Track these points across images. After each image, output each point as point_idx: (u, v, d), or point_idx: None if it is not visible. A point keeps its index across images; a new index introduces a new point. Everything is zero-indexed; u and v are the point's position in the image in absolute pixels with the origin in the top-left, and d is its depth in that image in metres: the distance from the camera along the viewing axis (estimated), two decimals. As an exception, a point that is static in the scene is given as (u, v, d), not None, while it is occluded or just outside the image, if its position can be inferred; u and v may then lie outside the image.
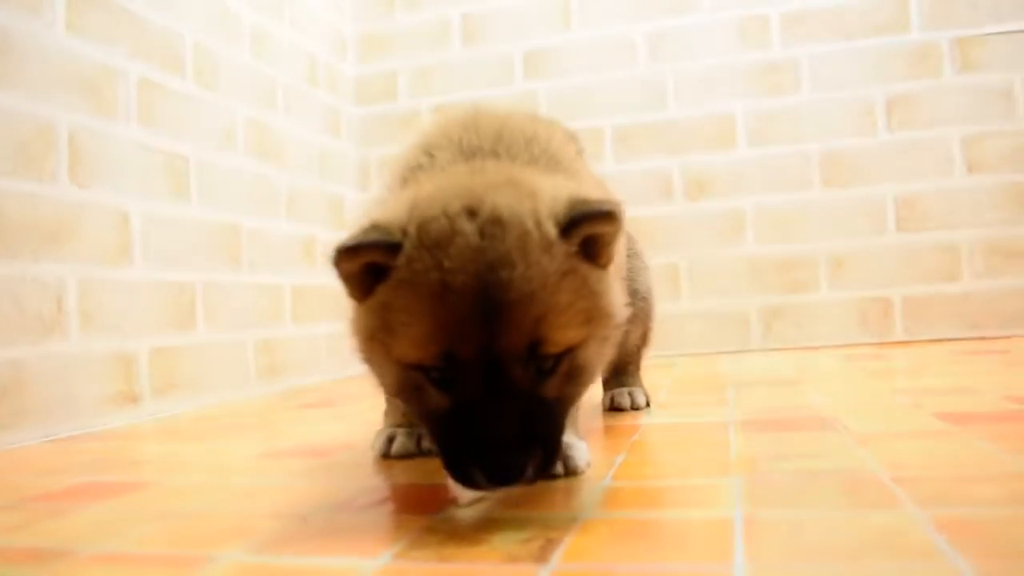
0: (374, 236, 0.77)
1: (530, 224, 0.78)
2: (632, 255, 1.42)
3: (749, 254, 2.69)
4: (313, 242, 2.65)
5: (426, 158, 0.93)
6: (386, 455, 1.13)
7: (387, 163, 0.90)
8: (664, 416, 1.35)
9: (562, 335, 0.78)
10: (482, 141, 0.92)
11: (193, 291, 2.02)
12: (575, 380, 0.82)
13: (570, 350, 0.80)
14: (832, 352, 2.42)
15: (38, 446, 1.45)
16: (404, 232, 0.78)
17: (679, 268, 2.72)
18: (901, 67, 2.63)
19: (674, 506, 0.76)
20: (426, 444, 1.13)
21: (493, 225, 0.77)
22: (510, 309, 0.75)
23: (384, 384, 0.86)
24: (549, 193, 0.81)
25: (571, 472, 1.02)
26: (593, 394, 1.51)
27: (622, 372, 1.50)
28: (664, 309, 2.72)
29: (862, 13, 2.66)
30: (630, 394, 1.46)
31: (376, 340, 0.81)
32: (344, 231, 2.81)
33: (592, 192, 0.85)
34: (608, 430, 1.18)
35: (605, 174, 2.79)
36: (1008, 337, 2.49)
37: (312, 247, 2.64)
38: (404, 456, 1.12)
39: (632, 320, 1.33)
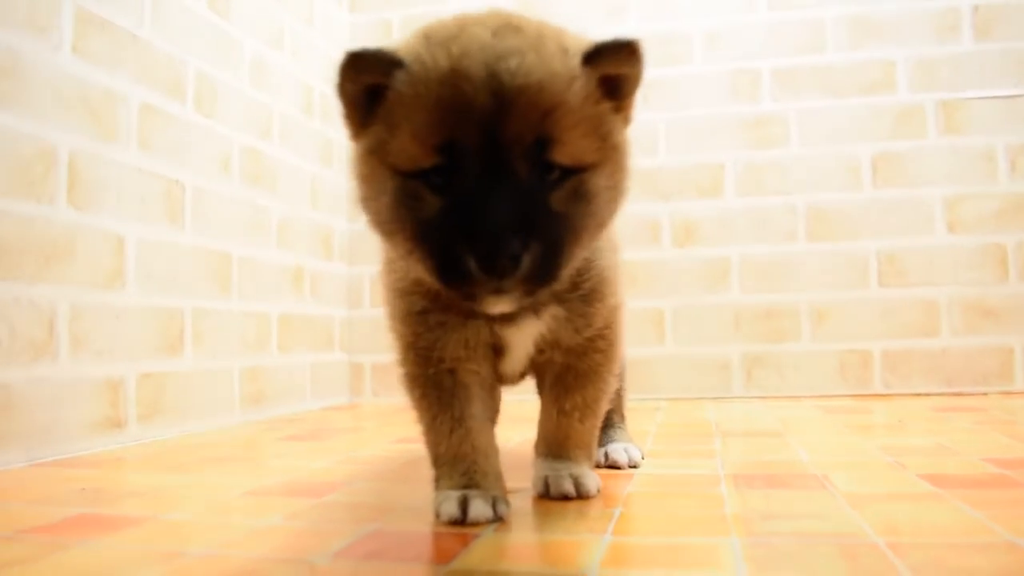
0: (377, 51, 0.78)
1: (548, 36, 0.78)
2: None
3: (733, 302, 2.73)
4: (302, 272, 2.65)
5: None
6: (458, 521, 0.94)
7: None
8: (655, 466, 1.37)
9: (571, 139, 0.76)
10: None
11: (182, 317, 2.01)
12: (582, 204, 0.79)
13: (579, 171, 0.78)
14: (811, 403, 2.45)
15: (22, 470, 1.44)
16: (409, 51, 0.77)
17: (664, 313, 2.75)
18: (887, 126, 2.69)
19: (677, 566, 0.77)
20: (501, 508, 0.96)
21: (507, 29, 0.77)
22: (518, 94, 0.73)
23: (378, 211, 0.81)
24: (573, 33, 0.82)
25: (583, 495, 1.08)
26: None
27: (608, 424, 1.40)
28: (649, 352, 2.74)
29: (850, 72, 2.72)
30: (626, 451, 1.37)
31: (374, 156, 0.79)
32: (333, 261, 2.82)
33: None
34: (602, 477, 1.19)
35: (594, 216, 2.81)
36: (982, 394, 2.54)
37: (300, 276, 2.64)
38: (480, 523, 0.94)
39: None
